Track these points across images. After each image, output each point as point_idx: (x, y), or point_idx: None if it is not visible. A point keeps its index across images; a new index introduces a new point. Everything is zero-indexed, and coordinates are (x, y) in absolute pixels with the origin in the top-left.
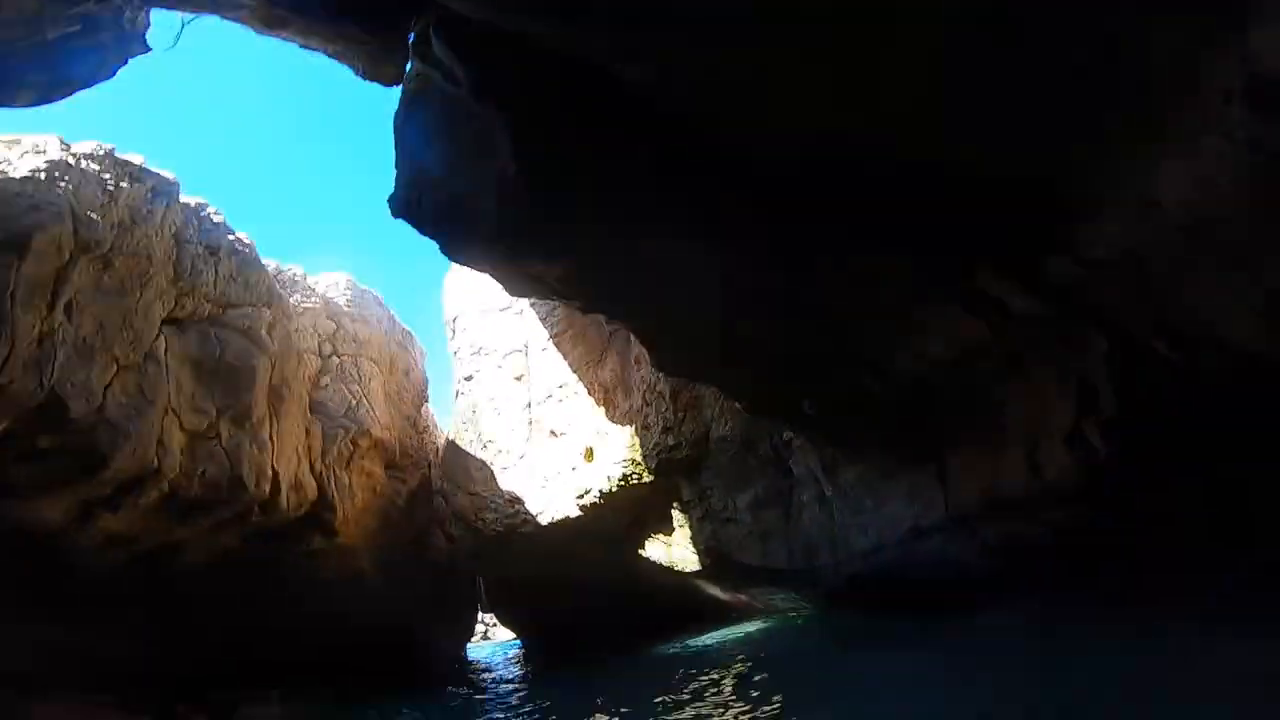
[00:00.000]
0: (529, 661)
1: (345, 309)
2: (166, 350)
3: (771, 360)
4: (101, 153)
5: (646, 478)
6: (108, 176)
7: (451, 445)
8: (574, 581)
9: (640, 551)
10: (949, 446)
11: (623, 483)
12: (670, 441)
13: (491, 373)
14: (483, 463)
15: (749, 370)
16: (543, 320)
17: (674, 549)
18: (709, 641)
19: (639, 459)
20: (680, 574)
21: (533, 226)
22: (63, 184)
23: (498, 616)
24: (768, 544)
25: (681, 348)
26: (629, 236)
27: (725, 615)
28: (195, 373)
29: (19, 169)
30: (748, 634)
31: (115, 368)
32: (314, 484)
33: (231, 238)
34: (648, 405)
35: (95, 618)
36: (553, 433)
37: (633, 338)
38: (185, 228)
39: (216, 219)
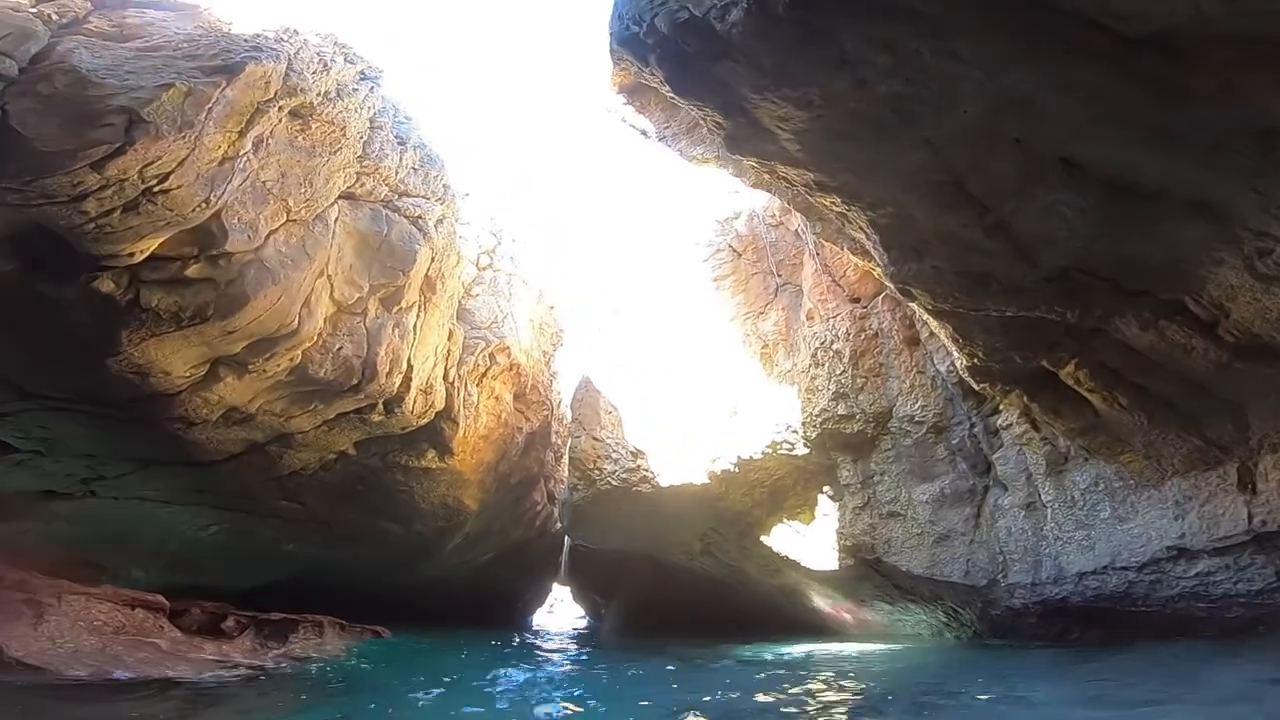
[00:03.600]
0: (593, 642)
1: (506, 228)
2: (337, 219)
3: (1049, 284)
4: (325, 33)
5: (800, 449)
6: (327, 52)
7: (587, 382)
8: (672, 562)
9: (763, 539)
10: (1269, 447)
11: (769, 449)
12: (841, 410)
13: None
14: (614, 406)
15: (1019, 283)
16: (704, 261)
17: (804, 540)
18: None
19: (795, 426)
20: (803, 571)
21: (790, 52)
22: (286, 44)
23: (573, 588)
24: (942, 550)
25: (930, 250)
26: (913, 81)
27: (830, 630)
28: (359, 246)
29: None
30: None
31: (285, 218)
32: (444, 391)
33: (418, 134)
34: (817, 366)
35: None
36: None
37: (805, 289)
38: (381, 114)
39: (408, 117)
